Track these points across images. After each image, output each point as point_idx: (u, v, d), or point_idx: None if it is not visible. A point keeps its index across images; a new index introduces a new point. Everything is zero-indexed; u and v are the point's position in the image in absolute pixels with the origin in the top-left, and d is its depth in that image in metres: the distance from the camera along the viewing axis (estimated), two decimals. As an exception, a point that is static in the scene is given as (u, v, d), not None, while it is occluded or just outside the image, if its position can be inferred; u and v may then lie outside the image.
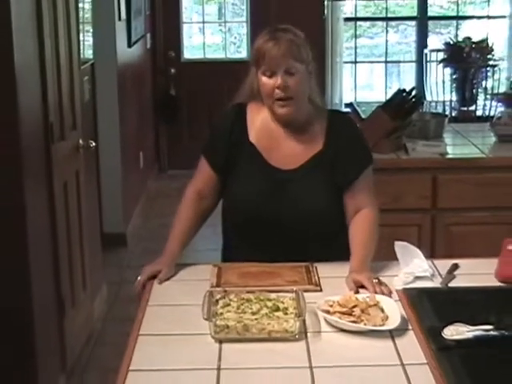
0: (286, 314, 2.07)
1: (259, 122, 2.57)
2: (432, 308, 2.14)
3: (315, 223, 2.54)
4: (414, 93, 4.09)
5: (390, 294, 2.25)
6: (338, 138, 2.55)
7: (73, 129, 4.00)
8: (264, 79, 2.45)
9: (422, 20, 7.49)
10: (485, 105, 6.45)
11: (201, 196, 2.60)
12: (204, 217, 2.62)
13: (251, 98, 2.57)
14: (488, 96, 6.43)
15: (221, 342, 1.99)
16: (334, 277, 2.38)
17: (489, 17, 7.48)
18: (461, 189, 3.92)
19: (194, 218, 2.58)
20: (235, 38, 7.95)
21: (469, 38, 6.58)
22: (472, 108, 6.52)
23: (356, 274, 2.32)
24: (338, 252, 2.50)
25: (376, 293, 2.22)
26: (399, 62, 7.89)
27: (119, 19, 5.73)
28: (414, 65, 7.59)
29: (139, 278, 2.42)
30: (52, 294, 3.63)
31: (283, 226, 2.51)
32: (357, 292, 2.25)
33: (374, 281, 2.29)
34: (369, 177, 2.57)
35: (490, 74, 6.54)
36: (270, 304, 2.11)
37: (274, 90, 2.43)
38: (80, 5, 4.28)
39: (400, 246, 2.48)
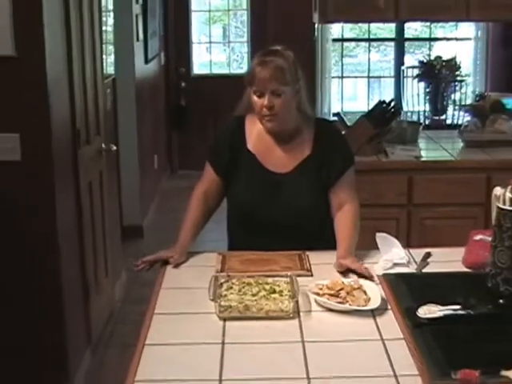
0: (282, 295, 2.07)
1: (256, 131, 2.57)
2: (408, 291, 2.14)
3: (305, 218, 2.54)
4: (392, 104, 4.09)
5: (371, 277, 2.25)
6: (324, 143, 2.55)
7: (97, 134, 3.99)
8: (255, 98, 2.45)
9: (400, 41, 7.47)
10: (454, 114, 6.45)
11: (206, 196, 2.60)
12: (210, 213, 2.62)
13: (249, 109, 2.56)
14: (456, 107, 6.44)
15: (225, 320, 1.99)
16: (323, 263, 2.38)
17: (457, 39, 7.47)
18: (433, 187, 3.92)
19: (201, 215, 2.58)
20: (237, 55, 7.94)
21: (440, 57, 6.59)
22: (443, 117, 6.53)
23: (342, 260, 2.32)
24: (325, 242, 2.50)
25: (361, 271, 2.24)
26: (380, 77, 7.86)
27: (137, 40, 5.74)
28: (392, 80, 7.56)
29: (149, 256, 2.43)
30: (78, 279, 3.62)
31: (278, 221, 2.51)
32: (343, 275, 2.26)
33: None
34: (350, 176, 2.57)
35: (457, 88, 6.56)
36: (267, 287, 2.11)
37: (262, 108, 2.44)
38: (103, 28, 4.28)
39: (380, 237, 2.48)
